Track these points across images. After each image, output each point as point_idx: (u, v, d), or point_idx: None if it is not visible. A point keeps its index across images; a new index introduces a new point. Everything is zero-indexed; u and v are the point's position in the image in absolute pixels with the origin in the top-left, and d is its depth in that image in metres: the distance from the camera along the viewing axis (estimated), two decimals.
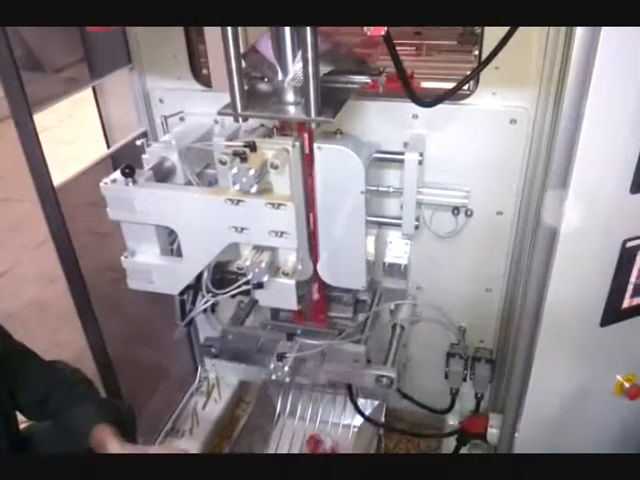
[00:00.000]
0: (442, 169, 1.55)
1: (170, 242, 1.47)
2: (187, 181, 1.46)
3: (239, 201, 1.25)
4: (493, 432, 1.70)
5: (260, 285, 1.35)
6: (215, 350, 1.75)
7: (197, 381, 2.29)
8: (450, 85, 1.29)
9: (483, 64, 1.23)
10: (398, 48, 1.15)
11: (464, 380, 1.87)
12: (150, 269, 1.43)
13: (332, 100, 1.26)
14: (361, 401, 1.97)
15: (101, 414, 1.42)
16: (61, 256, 1.49)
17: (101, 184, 1.33)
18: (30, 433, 1.50)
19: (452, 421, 2.00)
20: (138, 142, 1.46)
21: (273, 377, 1.50)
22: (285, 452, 1.95)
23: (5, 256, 2.00)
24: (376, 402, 2.01)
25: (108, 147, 1.74)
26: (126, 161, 1.37)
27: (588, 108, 0.98)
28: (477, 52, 1.44)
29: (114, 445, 1.36)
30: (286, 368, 1.48)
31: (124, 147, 1.69)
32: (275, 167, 1.20)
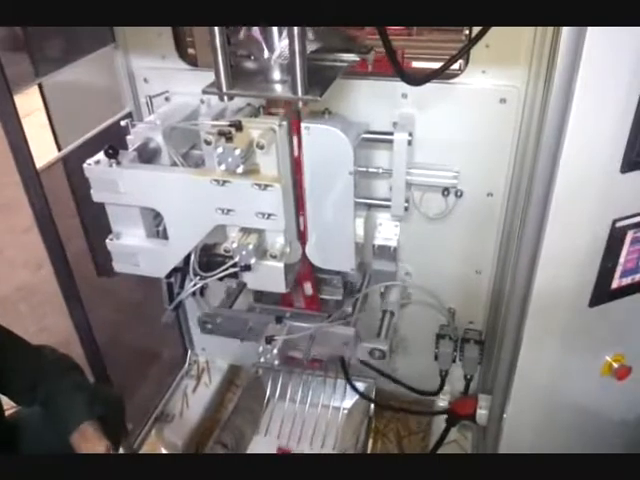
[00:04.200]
0: (432, 149, 1.54)
1: (156, 224, 1.45)
2: (173, 162, 1.43)
3: (225, 182, 1.23)
4: (482, 413, 1.70)
5: (248, 268, 1.33)
6: (211, 326, 1.74)
7: (187, 365, 2.28)
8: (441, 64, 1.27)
9: (472, 42, 1.20)
10: (388, 28, 1.13)
11: (454, 362, 1.87)
12: (135, 252, 1.41)
13: (319, 78, 1.24)
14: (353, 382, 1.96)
15: (89, 408, 1.41)
16: (46, 240, 1.47)
17: (84, 165, 1.30)
18: (17, 420, 1.49)
19: (442, 402, 2.01)
20: (122, 122, 1.43)
21: (262, 360, 1.49)
22: (275, 435, 1.95)
23: None
24: (366, 383, 2.01)
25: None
26: (112, 142, 1.35)
27: (578, 88, 0.97)
28: (467, 31, 1.42)
29: (95, 447, 1.35)
30: (275, 351, 1.47)
31: (109, 128, 1.65)
32: (261, 147, 1.17)
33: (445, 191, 1.59)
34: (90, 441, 1.35)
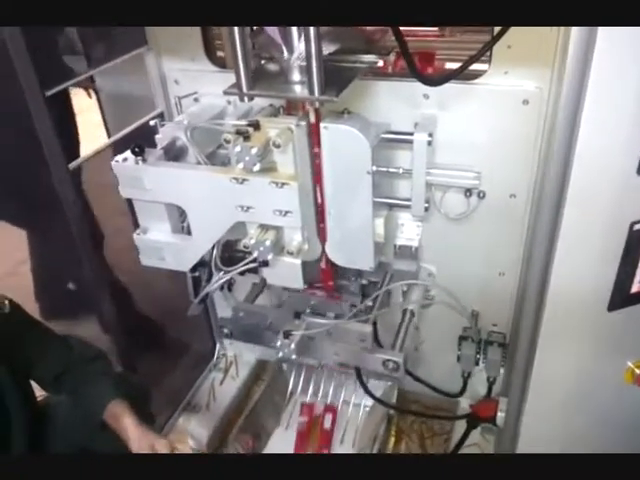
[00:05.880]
0: (453, 150, 1.53)
1: (181, 220, 1.50)
2: (198, 161, 1.48)
3: (244, 180, 1.27)
4: (503, 416, 1.69)
5: (266, 263, 1.37)
6: (227, 330, 1.79)
7: (215, 358, 2.34)
8: (474, 66, 1.27)
9: (492, 41, 1.20)
10: (421, 29, 1.13)
11: (476, 364, 1.86)
12: (161, 246, 1.47)
13: (338, 79, 1.26)
14: (374, 382, 1.97)
15: (116, 389, 1.47)
16: (78, 232, 1.55)
17: (112, 162, 1.36)
18: (47, 406, 1.56)
19: (465, 404, 2.00)
20: (151, 122, 1.48)
21: (280, 354, 1.53)
22: (295, 429, 1.98)
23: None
24: (388, 383, 2.02)
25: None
26: (143, 141, 1.41)
27: (590, 88, 0.96)
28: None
29: (129, 421, 1.41)
30: (292, 345, 1.50)
31: (141, 127, 1.72)
32: (277, 146, 1.21)
33: (467, 192, 1.59)
34: (121, 419, 1.41)
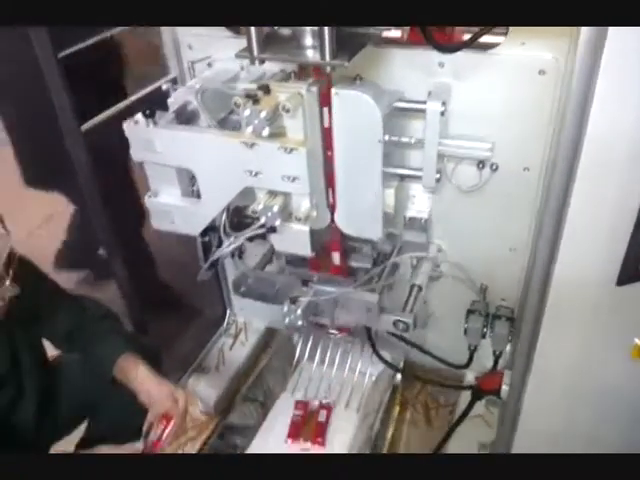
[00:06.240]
0: (467, 121, 1.51)
1: (191, 184, 1.51)
2: (209, 126, 1.48)
3: (253, 144, 1.27)
4: (507, 389, 1.69)
5: (273, 229, 1.38)
6: (244, 288, 1.80)
7: (225, 324, 2.38)
8: (494, 37, 1.24)
9: None
10: None
11: (483, 337, 1.86)
12: (171, 210, 1.49)
13: (350, 44, 1.25)
14: (381, 352, 1.99)
15: (127, 344, 1.50)
16: (88, 194, 1.57)
17: (124, 124, 1.37)
18: (58, 364, 1.60)
19: (470, 377, 2.01)
20: (164, 86, 1.49)
21: (287, 320, 1.55)
22: (302, 394, 2.02)
23: (53, 199, 2.12)
24: (394, 353, 2.04)
25: None
26: (156, 106, 1.42)
27: (604, 59, 0.94)
28: None
29: (143, 370, 1.44)
30: (299, 312, 1.52)
31: (154, 92, 1.72)
32: (287, 110, 1.20)
33: (480, 164, 1.57)
34: (134, 370, 1.44)
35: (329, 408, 1.98)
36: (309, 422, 1.95)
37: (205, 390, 2.11)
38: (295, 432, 1.93)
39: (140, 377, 1.42)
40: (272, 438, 1.91)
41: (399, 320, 1.57)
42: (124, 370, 1.45)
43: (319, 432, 1.92)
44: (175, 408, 1.41)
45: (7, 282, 1.19)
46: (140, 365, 1.44)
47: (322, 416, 1.96)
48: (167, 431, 1.39)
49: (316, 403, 1.99)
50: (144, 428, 1.43)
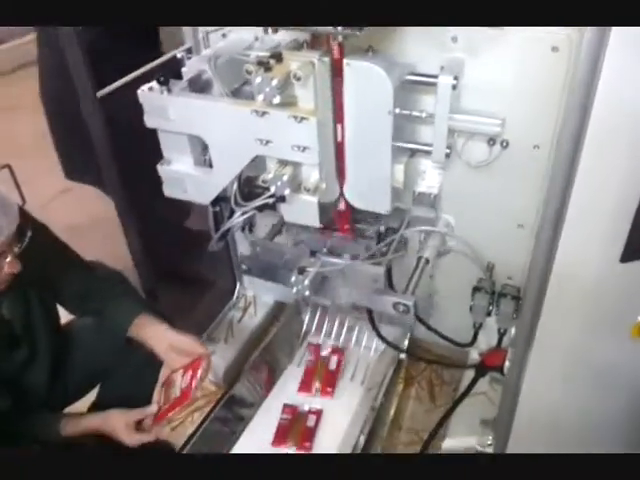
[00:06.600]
0: (479, 96, 1.51)
1: (204, 154, 1.53)
2: (222, 95, 1.50)
3: (264, 113, 1.29)
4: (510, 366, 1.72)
5: (282, 199, 1.40)
6: (245, 266, 1.84)
7: (235, 297, 2.42)
8: None
9: None
10: None
11: (488, 315, 1.88)
12: (183, 178, 1.51)
13: None
14: (386, 328, 2.02)
15: (143, 306, 1.54)
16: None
17: (138, 91, 1.40)
18: (71, 330, 1.64)
19: (475, 355, 2.03)
20: (178, 55, 1.51)
21: (294, 290, 1.57)
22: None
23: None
24: (399, 331, 2.06)
25: None
26: (171, 74, 1.44)
27: (613, 36, 0.94)
28: None
29: (162, 327, 1.47)
30: (306, 282, 1.54)
31: (169, 61, 1.74)
32: (298, 79, 1.21)
33: (490, 140, 1.57)
34: (152, 327, 1.47)
35: (318, 412, 1.92)
36: (296, 426, 1.89)
37: (214, 360, 2.13)
38: (282, 437, 1.86)
39: (160, 332, 1.46)
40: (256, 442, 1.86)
41: (399, 302, 1.58)
42: (142, 328, 1.48)
43: (307, 437, 1.85)
44: (204, 349, 1.46)
45: (8, 258, 1.21)
46: (157, 322, 1.48)
47: (311, 421, 1.89)
48: (198, 374, 1.40)
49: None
50: (161, 379, 1.47)
